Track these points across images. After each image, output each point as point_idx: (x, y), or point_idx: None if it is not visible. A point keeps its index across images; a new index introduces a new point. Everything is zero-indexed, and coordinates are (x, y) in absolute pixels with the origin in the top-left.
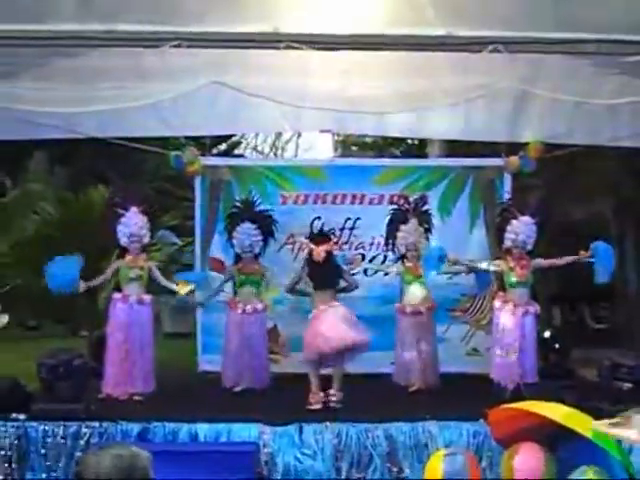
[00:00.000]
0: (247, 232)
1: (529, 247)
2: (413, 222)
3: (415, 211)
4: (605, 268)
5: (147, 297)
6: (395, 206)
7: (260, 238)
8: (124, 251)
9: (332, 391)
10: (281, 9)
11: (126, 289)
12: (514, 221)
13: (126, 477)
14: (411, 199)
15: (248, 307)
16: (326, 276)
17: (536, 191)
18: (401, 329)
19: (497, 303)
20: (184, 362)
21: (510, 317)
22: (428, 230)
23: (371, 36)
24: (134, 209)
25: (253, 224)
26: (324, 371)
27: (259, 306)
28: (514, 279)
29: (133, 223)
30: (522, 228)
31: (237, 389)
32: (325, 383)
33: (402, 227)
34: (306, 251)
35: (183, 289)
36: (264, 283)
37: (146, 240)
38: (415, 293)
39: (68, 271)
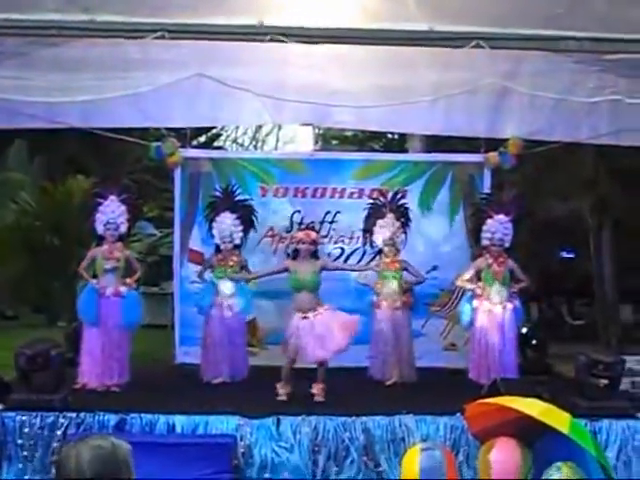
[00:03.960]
0: (226, 222)
1: (507, 244)
2: (390, 217)
3: (392, 205)
4: None
5: (123, 289)
6: (372, 201)
7: (240, 228)
8: (101, 241)
9: (315, 384)
10: (265, 2)
11: (102, 280)
12: (489, 220)
13: (107, 468)
14: (388, 194)
15: (226, 299)
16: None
17: (511, 188)
18: (377, 323)
19: (475, 302)
20: (161, 354)
21: (488, 315)
22: (405, 225)
23: (353, 30)
24: (112, 197)
25: (233, 214)
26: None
27: (233, 300)
28: (491, 276)
29: (110, 211)
30: (497, 227)
31: (216, 381)
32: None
33: (379, 222)
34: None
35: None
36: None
37: (123, 229)
38: (391, 288)
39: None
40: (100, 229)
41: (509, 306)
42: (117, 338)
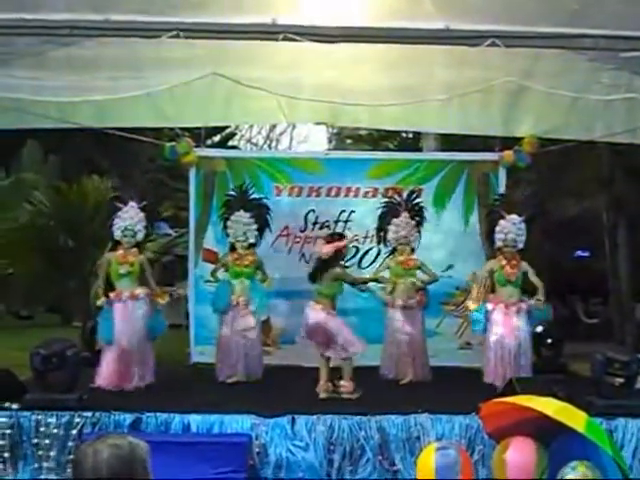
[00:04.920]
0: (241, 221)
1: (520, 245)
2: (405, 215)
3: (407, 204)
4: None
5: (140, 291)
6: (387, 199)
7: (254, 227)
8: (117, 245)
9: (343, 382)
10: (279, 1)
11: (118, 285)
12: (502, 221)
13: (124, 467)
14: (403, 192)
15: (241, 299)
16: (320, 274)
17: (523, 188)
18: (390, 322)
19: (489, 305)
20: (176, 354)
21: (502, 317)
22: (420, 224)
23: (368, 29)
24: (132, 204)
25: (247, 212)
26: (333, 364)
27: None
28: (504, 278)
29: (129, 217)
30: (510, 227)
31: (230, 381)
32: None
33: (394, 220)
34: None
35: (162, 299)
36: (259, 274)
37: (140, 236)
38: (405, 286)
39: None
40: (117, 234)
41: (523, 307)
42: (136, 342)
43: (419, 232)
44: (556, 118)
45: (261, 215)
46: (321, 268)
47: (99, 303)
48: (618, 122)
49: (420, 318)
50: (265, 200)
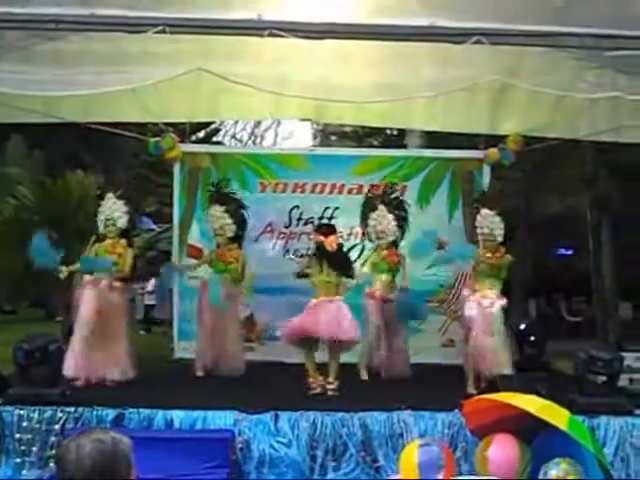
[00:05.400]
0: (215, 214)
1: (499, 239)
2: (382, 209)
3: (383, 198)
4: None
5: (118, 284)
6: (366, 195)
7: (230, 221)
8: (103, 237)
9: (330, 379)
10: None
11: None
12: (478, 216)
13: (107, 462)
14: (381, 187)
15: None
16: (341, 265)
17: (494, 184)
18: (369, 314)
19: (465, 292)
20: (160, 349)
21: (478, 308)
22: (401, 218)
23: (354, 25)
24: (109, 195)
25: (221, 206)
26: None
27: (234, 292)
28: (485, 271)
29: (107, 208)
30: (484, 221)
31: (210, 374)
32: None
33: (371, 214)
34: (314, 242)
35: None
36: (246, 270)
37: (122, 223)
38: (385, 281)
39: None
40: (101, 228)
41: (499, 302)
42: (112, 334)
43: (401, 227)
44: (541, 116)
45: (235, 209)
46: (330, 261)
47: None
48: (603, 121)
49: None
50: (238, 195)
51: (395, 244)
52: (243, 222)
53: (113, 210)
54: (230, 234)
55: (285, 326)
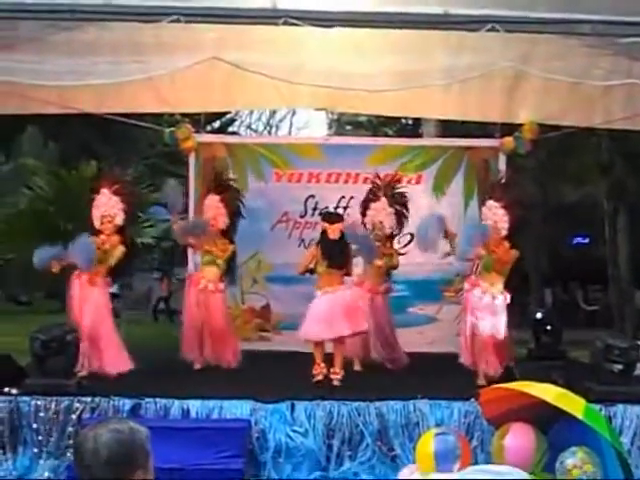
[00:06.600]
0: (210, 204)
1: (503, 232)
2: (383, 201)
3: (386, 190)
4: None
5: (99, 278)
6: (371, 184)
7: (224, 212)
8: (97, 232)
9: (336, 369)
10: None
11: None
12: (483, 207)
13: (124, 451)
14: (386, 178)
15: (210, 285)
16: (339, 255)
17: (514, 173)
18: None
19: (466, 285)
20: (175, 339)
21: (480, 300)
22: (402, 214)
23: (368, 13)
24: (104, 191)
25: (217, 195)
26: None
27: (220, 285)
28: (489, 263)
29: (102, 204)
30: (488, 213)
31: (197, 367)
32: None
33: (372, 205)
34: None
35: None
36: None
37: (119, 220)
38: (373, 272)
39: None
40: (97, 224)
41: (502, 295)
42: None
43: (400, 223)
44: (556, 104)
45: (231, 199)
46: (331, 250)
47: None
48: (618, 108)
49: (386, 305)
50: (235, 184)
51: (390, 237)
52: (238, 213)
53: (109, 207)
54: (222, 226)
55: (299, 330)
